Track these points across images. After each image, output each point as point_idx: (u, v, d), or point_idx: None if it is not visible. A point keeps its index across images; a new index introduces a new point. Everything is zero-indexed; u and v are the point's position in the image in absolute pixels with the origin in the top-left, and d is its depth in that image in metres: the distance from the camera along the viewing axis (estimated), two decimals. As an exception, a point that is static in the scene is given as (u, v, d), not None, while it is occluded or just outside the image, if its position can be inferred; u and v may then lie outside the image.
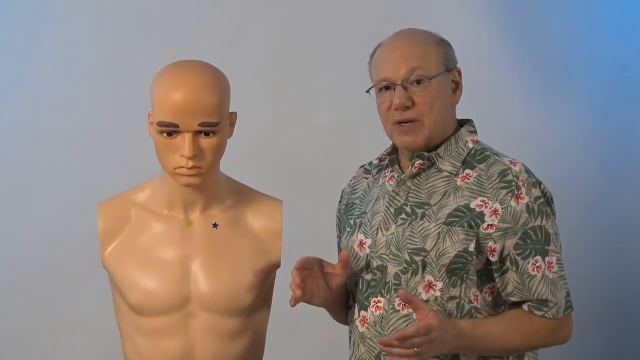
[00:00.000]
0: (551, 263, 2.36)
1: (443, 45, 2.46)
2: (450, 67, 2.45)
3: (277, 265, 2.48)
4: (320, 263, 2.39)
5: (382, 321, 2.39)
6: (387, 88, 2.43)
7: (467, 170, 2.41)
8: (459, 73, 2.48)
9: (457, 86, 2.48)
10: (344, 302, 2.53)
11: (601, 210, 3.63)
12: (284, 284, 2.59)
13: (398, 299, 2.36)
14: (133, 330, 2.44)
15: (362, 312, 2.43)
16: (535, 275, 2.34)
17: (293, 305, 2.36)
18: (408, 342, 2.19)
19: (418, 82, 2.40)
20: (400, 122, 2.41)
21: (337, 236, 2.64)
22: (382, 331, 2.38)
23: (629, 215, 3.63)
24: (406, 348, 2.19)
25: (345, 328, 2.56)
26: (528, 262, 2.34)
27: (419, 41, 2.45)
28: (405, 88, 2.40)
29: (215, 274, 2.40)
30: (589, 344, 3.53)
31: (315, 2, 3.65)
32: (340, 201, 2.64)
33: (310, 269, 2.37)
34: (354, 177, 2.63)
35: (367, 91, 2.48)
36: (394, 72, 2.41)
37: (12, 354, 3.60)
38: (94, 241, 2.53)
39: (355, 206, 2.55)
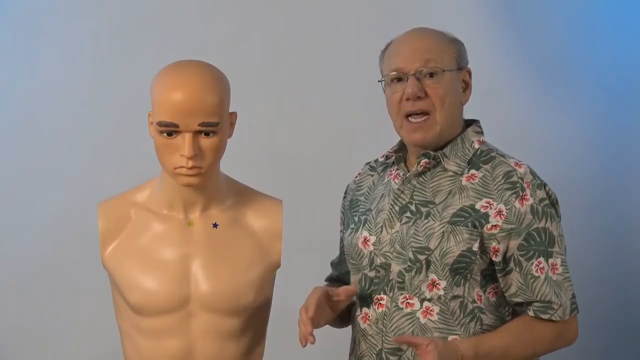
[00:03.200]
0: (555, 265, 2.36)
1: (456, 43, 2.48)
2: (462, 65, 2.46)
3: (277, 265, 2.48)
4: (326, 293, 2.38)
5: (384, 318, 2.39)
6: (399, 80, 2.43)
7: (473, 171, 2.41)
8: (469, 74, 2.48)
9: (466, 86, 2.48)
10: (346, 316, 2.53)
11: (601, 210, 3.62)
12: (284, 284, 2.60)
13: (401, 297, 2.37)
14: (133, 330, 2.44)
15: (365, 309, 2.44)
16: (539, 276, 2.35)
17: (304, 346, 2.32)
18: None
19: (431, 74, 2.41)
20: (411, 115, 2.40)
21: (341, 231, 2.64)
22: (384, 328, 2.39)
23: (629, 215, 3.63)
24: None
25: (346, 329, 2.56)
26: (532, 264, 2.35)
27: (432, 36, 2.46)
28: (418, 79, 2.40)
29: (215, 274, 2.40)
30: (590, 344, 3.52)
31: (315, 3, 3.65)
32: (344, 197, 2.64)
33: (317, 309, 2.35)
34: (359, 174, 2.63)
35: (380, 81, 2.48)
36: (408, 62, 2.41)
37: (12, 354, 3.60)
38: (94, 241, 2.53)
39: (360, 203, 2.55)
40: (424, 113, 2.41)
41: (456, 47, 2.46)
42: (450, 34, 2.48)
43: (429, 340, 2.24)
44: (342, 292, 2.39)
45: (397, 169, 2.49)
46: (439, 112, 2.41)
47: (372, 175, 2.58)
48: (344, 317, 2.53)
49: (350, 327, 2.54)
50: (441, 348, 2.25)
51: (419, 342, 2.24)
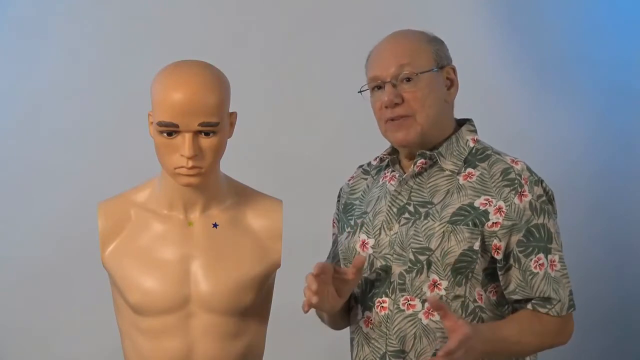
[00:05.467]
0: (554, 261, 2.36)
1: (434, 43, 2.47)
2: (442, 64, 2.46)
3: (277, 265, 2.48)
4: (332, 268, 2.36)
5: (387, 321, 2.39)
6: (379, 87, 2.44)
7: (469, 169, 2.41)
8: (454, 70, 2.48)
9: (451, 84, 2.48)
10: (346, 310, 2.52)
11: (601, 210, 3.63)
12: (284, 284, 2.60)
13: (402, 299, 2.37)
14: (133, 330, 2.44)
15: (367, 313, 2.43)
16: (538, 272, 2.35)
17: (307, 312, 2.31)
18: (452, 357, 2.16)
19: (408, 79, 2.41)
20: (392, 119, 2.42)
21: (333, 234, 2.64)
22: (387, 331, 2.38)
23: (629, 216, 3.63)
24: None
25: (344, 330, 2.56)
26: (531, 260, 2.35)
27: (408, 39, 2.47)
28: (394, 86, 2.41)
29: (215, 274, 2.40)
30: (589, 344, 3.53)
31: (316, 3, 3.66)
32: (338, 200, 2.64)
33: (324, 274, 2.34)
34: (352, 177, 2.63)
35: (360, 92, 2.49)
36: (383, 70, 2.42)
37: (12, 354, 3.60)
38: (94, 241, 2.53)
39: (354, 207, 2.54)
40: (403, 117, 2.41)
41: (434, 47, 2.45)
42: (429, 34, 2.48)
43: (458, 317, 2.22)
44: (349, 270, 2.34)
45: (393, 171, 2.48)
46: (419, 114, 2.41)
47: (366, 179, 2.58)
48: (345, 315, 2.52)
49: (348, 328, 2.53)
50: (470, 325, 2.23)
51: (450, 316, 2.19)
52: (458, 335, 2.17)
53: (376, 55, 2.47)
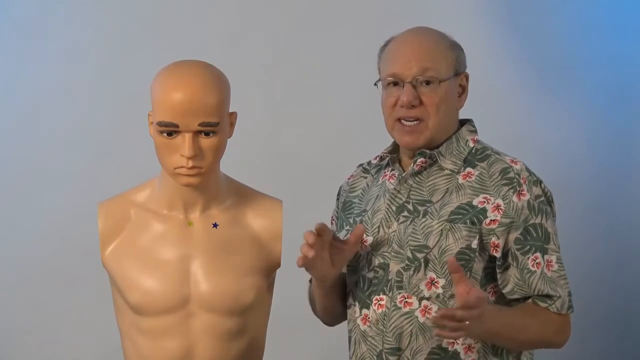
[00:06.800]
0: (550, 262, 2.36)
1: (455, 49, 2.46)
2: (459, 71, 2.46)
3: (277, 265, 2.48)
4: (332, 234, 2.36)
5: (384, 319, 2.39)
6: (395, 84, 2.43)
7: (469, 169, 2.42)
8: (467, 78, 2.48)
9: (463, 90, 2.48)
10: (336, 293, 2.51)
11: (601, 210, 3.63)
12: (284, 284, 2.60)
13: (399, 296, 2.37)
14: (133, 330, 2.44)
15: (364, 311, 2.43)
16: (535, 271, 2.35)
17: (300, 266, 2.33)
18: (467, 313, 2.15)
19: (427, 82, 2.40)
20: (403, 119, 2.41)
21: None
22: (384, 329, 2.38)
23: (629, 216, 3.63)
24: (461, 321, 2.15)
25: (343, 329, 2.56)
26: (528, 258, 2.35)
27: (432, 41, 2.45)
28: (414, 86, 2.40)
29: (215, 274, 2.40)
30: (589, 345, 3.53)
31: (315, 3, 3.66)
32: (337, 198, 2.64)
33: (322, 236, 2.34)
34: (352, 176, 2.63)
35: (376, 84, 2.48)
36: (405, 69, 2.41)
37: (12, 354, 3.60)
38: (94, 241, 2.53)
39: (353, 205, 2.55)
40: (417, 119, 2.41)
41: (455, 54, 2.45)
42: (450, 38, 2.47)
43: (472, 283, 2.21)
44: (348, 239, 2.36)
45: (392, 170, 2.49)
46: (432, 119, 2.41)
47: (366, 177, 2.58)
48: (337, 304, 2.51)
49: (347, 327, 2.53)
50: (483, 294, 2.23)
51: (464, 280, 2.20)
52: (476, 292, 2.16)
53: (397, 51, 2.44)
